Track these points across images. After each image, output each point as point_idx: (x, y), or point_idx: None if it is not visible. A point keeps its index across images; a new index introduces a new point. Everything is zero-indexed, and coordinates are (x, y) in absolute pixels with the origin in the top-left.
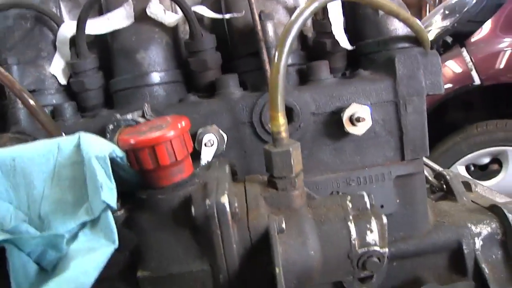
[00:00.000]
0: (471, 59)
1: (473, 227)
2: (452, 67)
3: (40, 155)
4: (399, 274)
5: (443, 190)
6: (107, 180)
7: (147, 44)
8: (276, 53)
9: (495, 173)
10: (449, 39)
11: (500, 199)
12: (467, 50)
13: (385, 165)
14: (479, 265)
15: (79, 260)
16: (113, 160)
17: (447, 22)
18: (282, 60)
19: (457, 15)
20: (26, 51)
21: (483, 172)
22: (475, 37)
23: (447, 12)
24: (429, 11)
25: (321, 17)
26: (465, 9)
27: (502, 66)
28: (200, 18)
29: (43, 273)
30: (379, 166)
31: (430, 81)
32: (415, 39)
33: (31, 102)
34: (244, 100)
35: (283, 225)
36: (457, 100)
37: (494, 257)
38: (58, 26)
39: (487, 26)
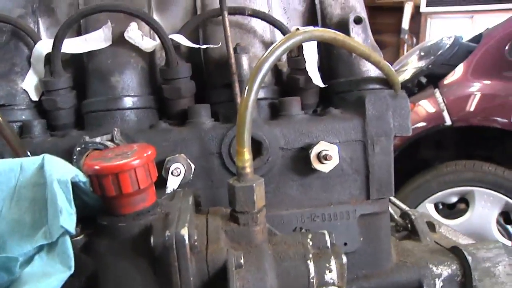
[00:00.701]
0: (443, 100)
1: (434, 268)
2: (425, 106)
3: (1, 173)
4: None
5: (408, 230)
6: (67, 205)
7: (122, 68)
8: (246, 90)
9: (462, 212)
10: (423, 80)
11: (463, 241)
12: (440, 92)
13: (350, 203)
14: None
15: (32, 285)
16: (76, 185)
17: (422, 63)
18: (251, 97)
19: (432, 57)
20: None
21: (451, 210)
22: (448, 80)
23: (422, 53)
24: (406, 50)
25: (296, 54)
26: (439, 52)
27: (472, 109)
28: (177, 46)
29: None
30: (345, 204)
31: (398, 123)
32: (386, 81)
33: None
34: (215, 131)
35: (242, 260)
36: (429, 139)
37: None
38: (35, 42)
39: (459, 70)
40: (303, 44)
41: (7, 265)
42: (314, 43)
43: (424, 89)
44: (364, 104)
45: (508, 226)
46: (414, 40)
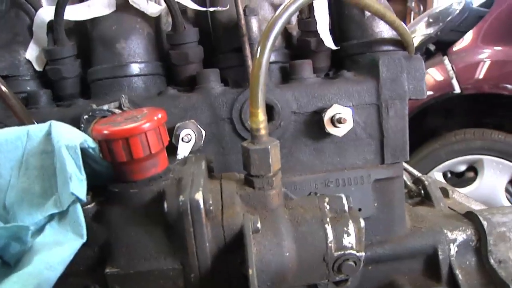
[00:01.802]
0: (452, 67)
1: (449, 233)
2: (433, 74)
3: (8, 142)
4: (374, 278)
5: (421, 196)
6: (77, 171)
7: (128, 34)
8: (259, 48)
9: (471, 180)
10: (432, 47)
11: (476, 206)
12: (449, 59)
13: (364, 167)
14: (453, 271)
15: (44, 254)
16: (84, 151)
17: (430, 30)
18: (265, 55)
19: (441, 24)
20: (0, 34)
21: (459, 179)
22: (457, 46)
23: (431, 20)
24: (413, 19)
25: (306, 16)
26: (449, 19)
27: (481, 76)
28: (184, 10)
29: (5, 267)
30: (359, 169)
31: (413, 86)
32: (400, 43)
33: (2, 87)
34: (225, 96)
35: (258, 225)
36: (437, 107)
37: (468, 263)
38: (36, 9)
39: (469, 36)
40: (314, 4)
41: (18, 234)
42: (325, 4)
43: (432, 57)
44: (378, 66)
45: None
46: (421, 8)
